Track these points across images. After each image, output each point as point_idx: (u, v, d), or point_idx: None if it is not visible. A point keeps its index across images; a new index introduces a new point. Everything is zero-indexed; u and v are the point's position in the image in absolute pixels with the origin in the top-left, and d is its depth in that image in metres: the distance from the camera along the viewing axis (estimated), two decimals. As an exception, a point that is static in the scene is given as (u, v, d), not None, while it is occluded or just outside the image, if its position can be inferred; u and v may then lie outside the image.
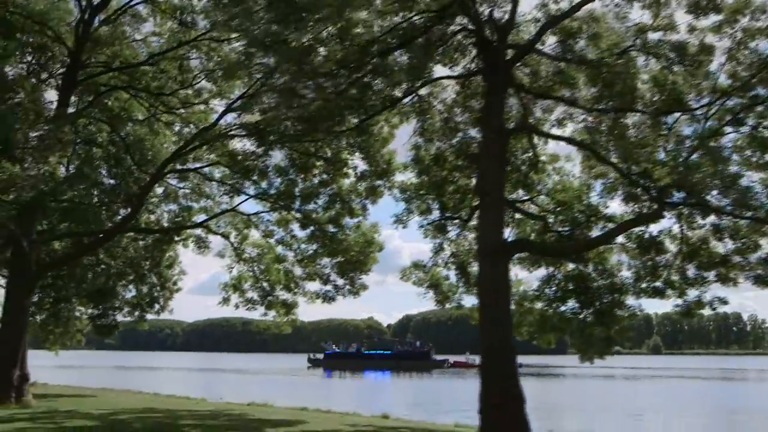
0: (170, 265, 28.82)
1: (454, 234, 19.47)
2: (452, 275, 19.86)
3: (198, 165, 21.76)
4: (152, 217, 27.81)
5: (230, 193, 21.81)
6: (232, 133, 18.56)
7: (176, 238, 26.49)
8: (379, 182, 20.27)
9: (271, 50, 11.80)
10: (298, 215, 20.61)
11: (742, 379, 70.50)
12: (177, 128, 24.35)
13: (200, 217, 23.50)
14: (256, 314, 23.37)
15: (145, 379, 55.93)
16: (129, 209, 21.46)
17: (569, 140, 15.08)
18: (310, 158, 19.99)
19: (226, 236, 22.24)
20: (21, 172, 12.73)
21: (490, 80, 13.51)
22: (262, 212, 21.90)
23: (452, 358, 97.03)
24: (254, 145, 17.77)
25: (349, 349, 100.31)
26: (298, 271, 22.12)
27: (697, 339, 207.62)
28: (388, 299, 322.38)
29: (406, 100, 16.03)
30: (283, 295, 22.55)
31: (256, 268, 22.61)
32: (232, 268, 23.12)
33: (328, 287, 20.63)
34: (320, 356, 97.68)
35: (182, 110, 23.01)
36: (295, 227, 22.02)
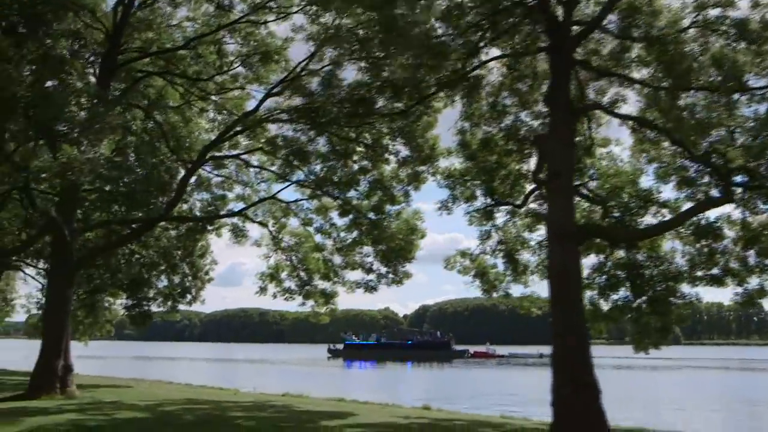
0: (202, 254, 28.53)
1: (502, 221, 18.97)
2: (500, 263, 19.39)
3: (237, 152, 21.34)
4: (184, 207, 27.55)
5: (270, 179, 21.38)
6: (279, 117, 18.05)
7: (209, 228, 26.21)
8: (421, 168, 19.73)
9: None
10: (339, 202, 20.11)
11: (763, 369, 69.31)
12: (210, 115, 23.97)
13: (237, 206, 23.13)
14: (294, 304, 22.93)
15: (171, 369, 56.00)
16: (164, 198, 21.08)
17: (640, 120, 14.43)
18: (351, 144, 19.50)
19: (264, 224, 21.82)
20: (80, 155, 12.38)
21: (554, 59, 12.90)
22: (301, 200, 21.43)
23: (472, 349, 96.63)
24: (303, 128, 17.26)
25: (369, 340, 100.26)
26: (337, 259, 21.68)
27: (716, 329, 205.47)
28: (403, 290, 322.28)
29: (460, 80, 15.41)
30: (322, 284, 22.15)
31: (293, 257, 22.19)
32: (269, 257, 22.75)
33: (371, 276, 20.14)
34: (340, 347, 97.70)
35: (217, 96, 22.59)
36: (335, 215, 21.61)
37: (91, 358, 61.07)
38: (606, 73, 14.17)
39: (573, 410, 11.02)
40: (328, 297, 21.95)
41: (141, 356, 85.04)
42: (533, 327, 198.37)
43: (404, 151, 19.93)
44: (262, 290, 23.01)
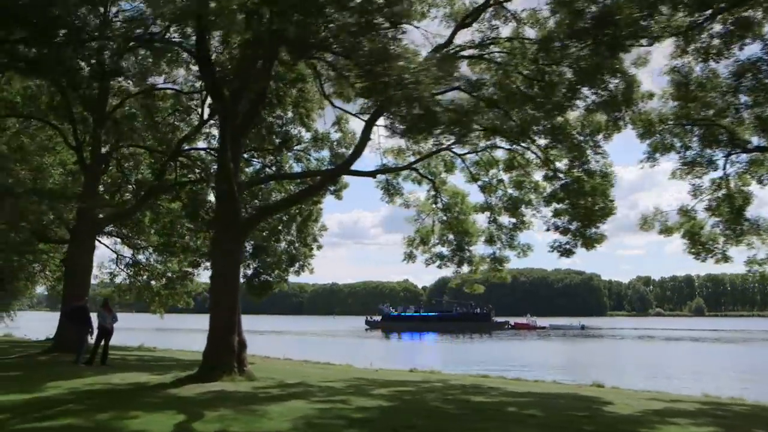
0: (316, 218, 26.08)
1: (733, 172, 16.37)
2: (713, 222, 16.85)
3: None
4: (296, 167, 25.14)
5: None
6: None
7: (331, 188, 23.76)
8: (617, 114, 17.02)
9: None
10: (535, 153, 17.44)
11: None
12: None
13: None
14: (449, 271, 20.51)
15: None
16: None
17: None
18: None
19: (431, 180, 19.20)
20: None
21: None
22: (471, 153, 18.76)
23: (513, 320, 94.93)
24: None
25: (407, 311, 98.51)
26: (504, 220, 19.16)
27: (740, 301, 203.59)
28: (418, 262, 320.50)
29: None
30: (483, 249, 19.69)
31: (452, 219, 19.63)
32: (418, 219, 20.22)
33: (567, 238, 17.48)
34: (378, 318, 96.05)
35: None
36: (499, 170, 19.03)
37: (134, 330, 58.77)
38: None
39: None
40: (497, 262, 19.43)
41: (173, 329, 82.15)
42: (554, 299, 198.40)
43: (590, 96, 17.28)
44: (409, 257, 20.53)
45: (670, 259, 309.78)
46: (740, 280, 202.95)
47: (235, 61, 14.24)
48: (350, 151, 23.16)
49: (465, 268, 20.33)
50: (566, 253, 17.28)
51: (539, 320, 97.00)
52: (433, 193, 19.73)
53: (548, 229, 17.43)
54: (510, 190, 19.16)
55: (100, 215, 23.58)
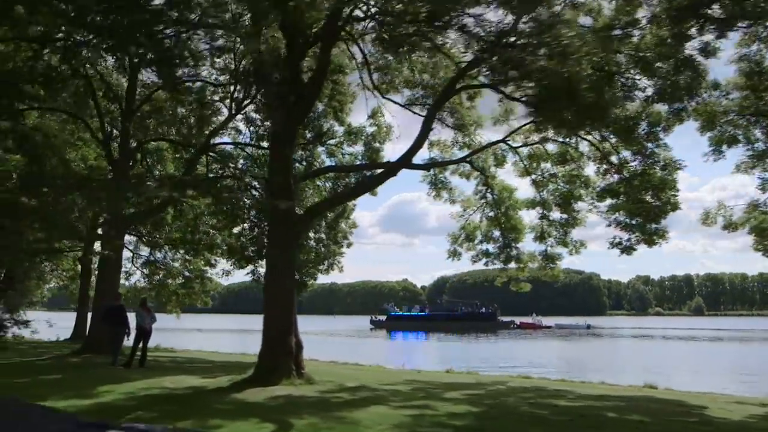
0: (348, 215, 25.32)
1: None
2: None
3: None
4: (327, 161, 24.39)
5: (477, 123, 17.94)
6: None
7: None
8: (679, 105, 16.32)
9: None
10: (595, 146, 16.67)
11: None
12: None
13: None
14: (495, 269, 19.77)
15: (245, 341, 52.98)
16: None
17: None
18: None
19: (483, 173, 18.45)
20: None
21: None
22: (526, 145, 18.00)
23: (519, 320, 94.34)
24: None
25: (413, 311, 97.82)
26: (555, 215, 18.43)
27: (740, 300, 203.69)
28: (416, 262, 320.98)
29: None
30: (532, 246, 18.96)
31: (501, 215, 18.89)
32: (464, 215, 19.48)
33: (627, 234, 16.73)
34: (382, 318, 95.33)
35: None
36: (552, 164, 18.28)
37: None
38: None
39: None
40: (549, 259, 18.71)
41: (174, 328, 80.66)
42: (555, 299, 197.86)
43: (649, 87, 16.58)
44: (454, 254, 19.79)
45: (669, 258, 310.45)
46: (739, 280, 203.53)
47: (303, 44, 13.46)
48: (384, 145, 22.60)
49: (512, 266, 19.60)
50: (627, 250, 16.55)
51: (544, 320, 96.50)
52: (482, 188, 19.04)
53: (609, 225, 16.74)
54: (561, 184, 18.47)
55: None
